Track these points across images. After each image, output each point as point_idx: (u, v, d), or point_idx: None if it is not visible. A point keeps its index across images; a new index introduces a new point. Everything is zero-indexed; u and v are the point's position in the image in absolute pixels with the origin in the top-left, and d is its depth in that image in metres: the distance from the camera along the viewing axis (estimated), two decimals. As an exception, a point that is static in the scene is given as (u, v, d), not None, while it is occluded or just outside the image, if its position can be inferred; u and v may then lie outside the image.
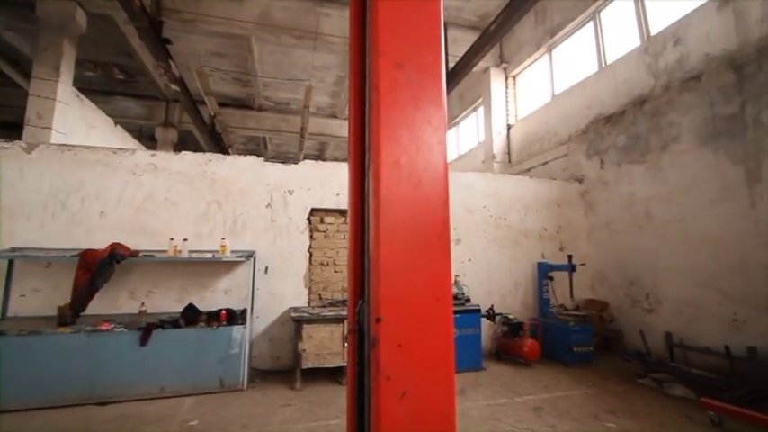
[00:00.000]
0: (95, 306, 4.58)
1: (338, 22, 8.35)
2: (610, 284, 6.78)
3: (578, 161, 7.58)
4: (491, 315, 6.02)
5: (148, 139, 12.77)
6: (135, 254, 4.78)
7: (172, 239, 4.95)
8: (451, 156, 13.28)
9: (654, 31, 6.34)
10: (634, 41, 6.66)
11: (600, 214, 7.07)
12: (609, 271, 6.81)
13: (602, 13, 7.50)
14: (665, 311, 5.76)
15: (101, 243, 4.76)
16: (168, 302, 5.08)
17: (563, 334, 5.89)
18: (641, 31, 6.56)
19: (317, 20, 8.29)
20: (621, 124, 6.65)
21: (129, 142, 10.27)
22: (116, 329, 4.40)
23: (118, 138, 9.51)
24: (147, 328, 4.42)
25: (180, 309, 4.90)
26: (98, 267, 4.46)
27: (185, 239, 5.03)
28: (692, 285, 5.39)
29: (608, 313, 6.64)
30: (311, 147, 16.66)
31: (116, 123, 9.50)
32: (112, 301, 4.91)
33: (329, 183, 6.03)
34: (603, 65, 7.35)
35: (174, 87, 8.36)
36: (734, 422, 3.58)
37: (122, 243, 4.83)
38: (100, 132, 8.53)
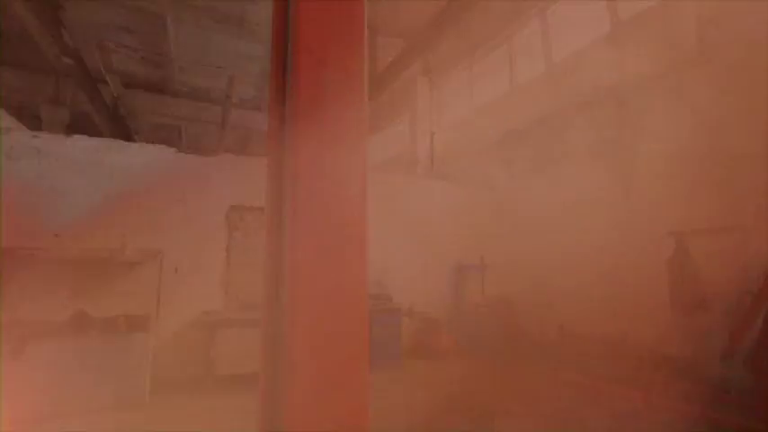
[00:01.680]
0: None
1: (266, 12, 7.99)
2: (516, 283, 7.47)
3: (492, 170, 8.25)
4: (411, 313, 6.26)
5: (31, 118, 10.83)
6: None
7: (57, 236, 4.28)
8: (379, 158, 13.49)
9: (556, 58, 7.18)
10: (541, 66, 7.47)
11: (509, 220, 7.77)
12: (516, 271, 7.51)
13: (515, 38, 8.27)
14: (559, 307, 6.54)
15: (-42, 238, 3.94)
16: (53, 308, 4.38)
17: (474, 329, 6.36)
18: (547, 57, 7.39)
19: (242, 6, 7.84)
20: (529, 139, 7.40)
21: (3, 119, 8.62)
22: (-23, 342, 3.67)
23: (-13, 113, 7.94)
24: (20, 338, 3.76)
25: (68, 315, 4.26)
26: (-47, 268, 3.69)
27: (76, 236, 4.39)
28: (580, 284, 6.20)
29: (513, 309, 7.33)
30: (233, 140, 15.64)
31: (-15, 96, 7.92)
32: (-27, 308, 4.09)
33: (251, 179, 5.73)
34: (515, 84, 8.10)
35: (67, 60, 7.25)
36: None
37: (-11, 239, 4.05)
38: (-39, 105, 7.04)
